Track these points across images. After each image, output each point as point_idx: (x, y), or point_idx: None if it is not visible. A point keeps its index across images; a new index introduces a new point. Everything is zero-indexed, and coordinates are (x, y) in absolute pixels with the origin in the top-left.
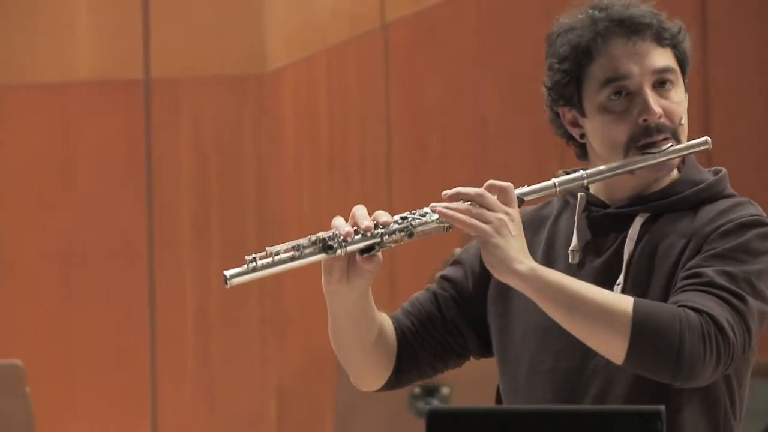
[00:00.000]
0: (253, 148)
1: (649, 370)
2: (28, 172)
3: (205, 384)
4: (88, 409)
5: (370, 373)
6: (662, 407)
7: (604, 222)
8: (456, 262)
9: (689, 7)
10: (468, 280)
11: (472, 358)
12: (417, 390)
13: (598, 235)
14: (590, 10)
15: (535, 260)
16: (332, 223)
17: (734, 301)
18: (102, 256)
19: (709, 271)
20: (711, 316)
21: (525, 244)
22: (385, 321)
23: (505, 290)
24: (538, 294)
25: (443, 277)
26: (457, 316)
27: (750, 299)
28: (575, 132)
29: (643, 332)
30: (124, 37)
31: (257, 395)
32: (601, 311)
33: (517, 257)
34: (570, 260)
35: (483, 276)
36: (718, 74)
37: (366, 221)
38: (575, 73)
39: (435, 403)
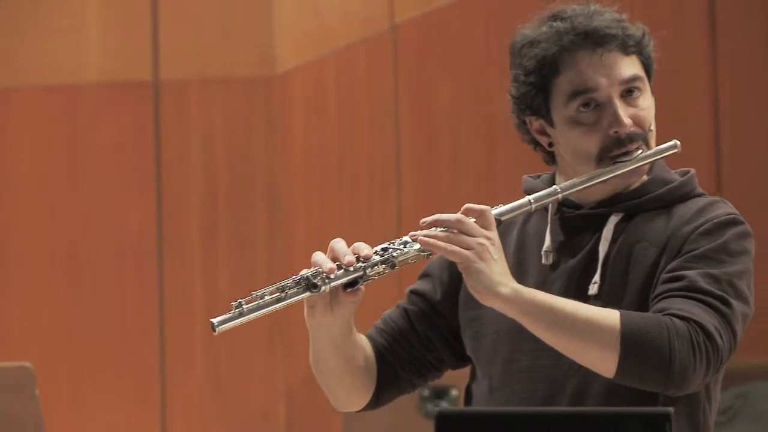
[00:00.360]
0: (262, 150)
1: (641, 382)
2: (37, 174)
3: (214, 386)
4: (98, 411)
5: (352, 396)
6: (671, 409)
7: (577, 223)
8: (424, 275)
9: (698, 5)
10: (437, 292)
11: (449, 370)
12: (426, 392)
13: (572, 235)
14: (554, 22)
15: (507, 261)
16: (312, 259)
17: (719, 305)
18: (111, 258)
19: (692, 274)
20: (699, 324)
21: (506, 267)
22: (365, 343)
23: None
24: (524, 316)
25: (413, 292)
26: (429, 330)
27: (734, 302)
28: (543, 140)
29: (632, 346)
30: (133, 39)
31: (266, 397)
32: (589, 329)
33: (500, 281)
34: (543, 261)
35: (452, 284)
36: (727, 72)
37: (348, 256)
38: (542, 85)
39: (444, 404)
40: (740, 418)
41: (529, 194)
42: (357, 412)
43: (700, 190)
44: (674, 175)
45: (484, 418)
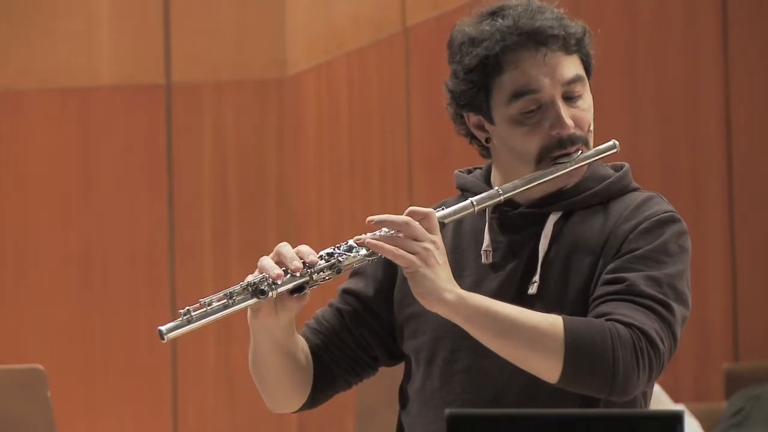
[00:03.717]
0: (273, 152)
1: (584, 388)
2: (49, 177)
3: (226, 387)
4: (110, 412)
5: (289, 397)
6: (683, 411)
7: (516, 221)
8: (356, 273)
9: (710, 7)
10: (371, 290)
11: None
12: None
13: (510, 234)
14: (496, 21)
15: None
16: (259, 263)
17: (661, 310)
18: (123, 260)
19: (633, 277)
20: (641, 330)
21: (450, 271)
22: (303, 344)
23: (410, 291)
24: (468, 322)
25: (345, 291)
26: (363, 329)
27: (674, 305)
28: (480, 135)
29: (576, 354)
30: (145, 42)
31: None
32: (533, 336)
33: (445, 287)
34: (483, 260)
35: (386, 281)
36: (739, 74)
37: (295, 261)
38: (483, 84)
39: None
40: (752, 420)
41: (463, 190)
42: (293, 413)
43: (635, 184)
44: (609, 170)
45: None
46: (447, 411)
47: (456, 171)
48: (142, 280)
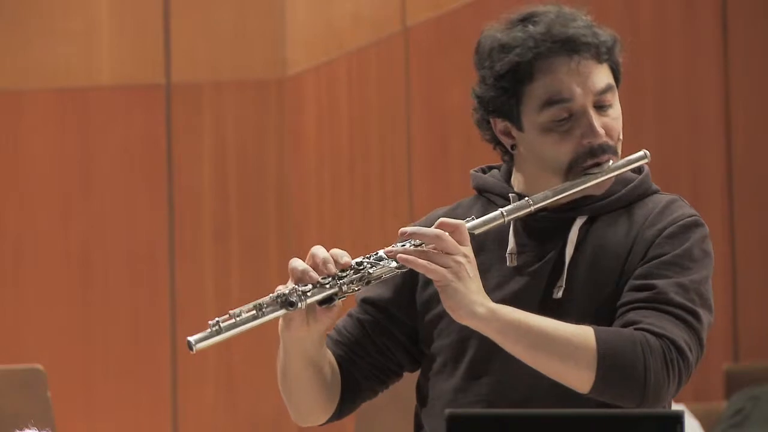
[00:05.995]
0: (273, 153)
1: (616, 399)
2: (48, 177)
3: (226, 388)
4: (110, 412)
5: (317, 409)
6: (682, 411)
7: (541, 226)
8: None
9: (710, 7)
10: (390, 296)
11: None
12: None
13: (536, 238)
14: (528, 27)
15: None
16: (289, 266)
17: (689, 318)
18: (123, 260)
19: (661, 284)
20: (671, 341)
21: (481, 284)
22: (331, 357)
23: (435, 293)
24: (500, 335)
25: (364, 301)
26: (385, 338)
27: (701, 312)
28: (506, 141)
29: (609, 366)
30: (145, 42)
31: (278, 399)
32: (566, 348)
33: (476, 300)
34: (508, 263)
35: (406, 286)
36: (739, 74)
37: (329, 265)
38: (514, 90)
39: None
40: (752, 420)
41: (481, 191)
42: (320, 425)
43: (655, 186)
44: (630, 173)
45: (494, 420)
46: (447, 411)
47: (471, 171)
48: (142, 280)
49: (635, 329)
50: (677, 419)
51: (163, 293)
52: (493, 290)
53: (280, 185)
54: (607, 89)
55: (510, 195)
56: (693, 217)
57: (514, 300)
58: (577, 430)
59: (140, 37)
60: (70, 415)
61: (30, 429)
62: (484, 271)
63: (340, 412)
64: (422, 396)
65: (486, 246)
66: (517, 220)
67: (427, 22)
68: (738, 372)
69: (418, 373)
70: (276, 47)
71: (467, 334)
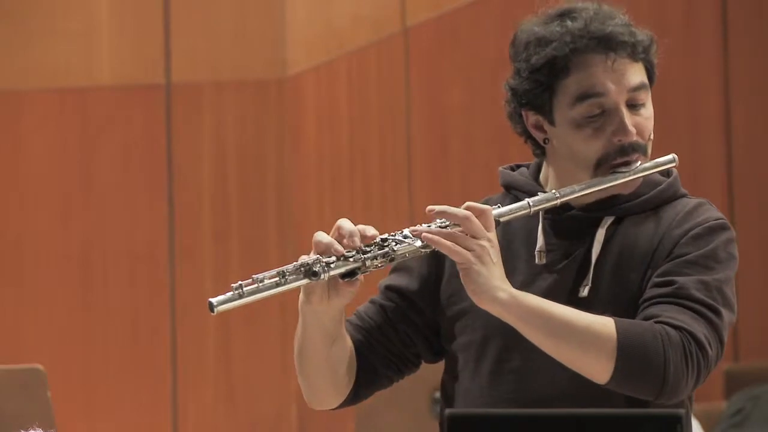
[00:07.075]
0: (273, 153)
1: (634, 390)
2: (48, 177)
3: (226, 387)
4: (110, 412)
5: (331, 391)
6: (682, 411)
7: (569, 224)
8: (399, 269)
9: (710, 7)
10: (414, 285)
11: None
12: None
13: (563, 237)
14: (566, 22)
15: None
16: (314, 238)
17: (710, 314)
18: (123, 260)
19: (683, 280)
20: (691, 334)
21: (503, 270)
22: (348, 338)
23: (460, 288)
24: (520, 321)
25: (388, 288)
26: (406, 326)
27: (722, 310)
28: (538, 135)
29: (629, 356)
30: (145, 42)
31: (278, 399)
32: (586, 337)
33: (498, 285)
34: (537, 261)
35: (431, 277)
36: (739, 74)
37: (355, 238)
38: (548, 83)
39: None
40: (752, 420)
41: (510, 188)
42: (332, 409)
43: (683, 190)
44: (659, 176)
45: (494, 419)
46: (447, 411)
47: (500, 168)
48: (142, 280)
49: (655, 322)
50: (677, 419)
51: (163, 293)
52: (520, 288)
53: (280, 185)
54: (641, 87)
55: (538, 192)
56: (720, 220)
57: (541, 297)
58: (577, 430)
59: (140, 37)
60: (70, 415)
61: (34, 430)
62: (511, 268)
63: (354, 397)
64: (448, 396)
65: (514, 244)
66: (545, 219)
67: (427, 22)
68: (738, 372)
69: (418, 373)
70: (276, 47)
71: (490, 332)
